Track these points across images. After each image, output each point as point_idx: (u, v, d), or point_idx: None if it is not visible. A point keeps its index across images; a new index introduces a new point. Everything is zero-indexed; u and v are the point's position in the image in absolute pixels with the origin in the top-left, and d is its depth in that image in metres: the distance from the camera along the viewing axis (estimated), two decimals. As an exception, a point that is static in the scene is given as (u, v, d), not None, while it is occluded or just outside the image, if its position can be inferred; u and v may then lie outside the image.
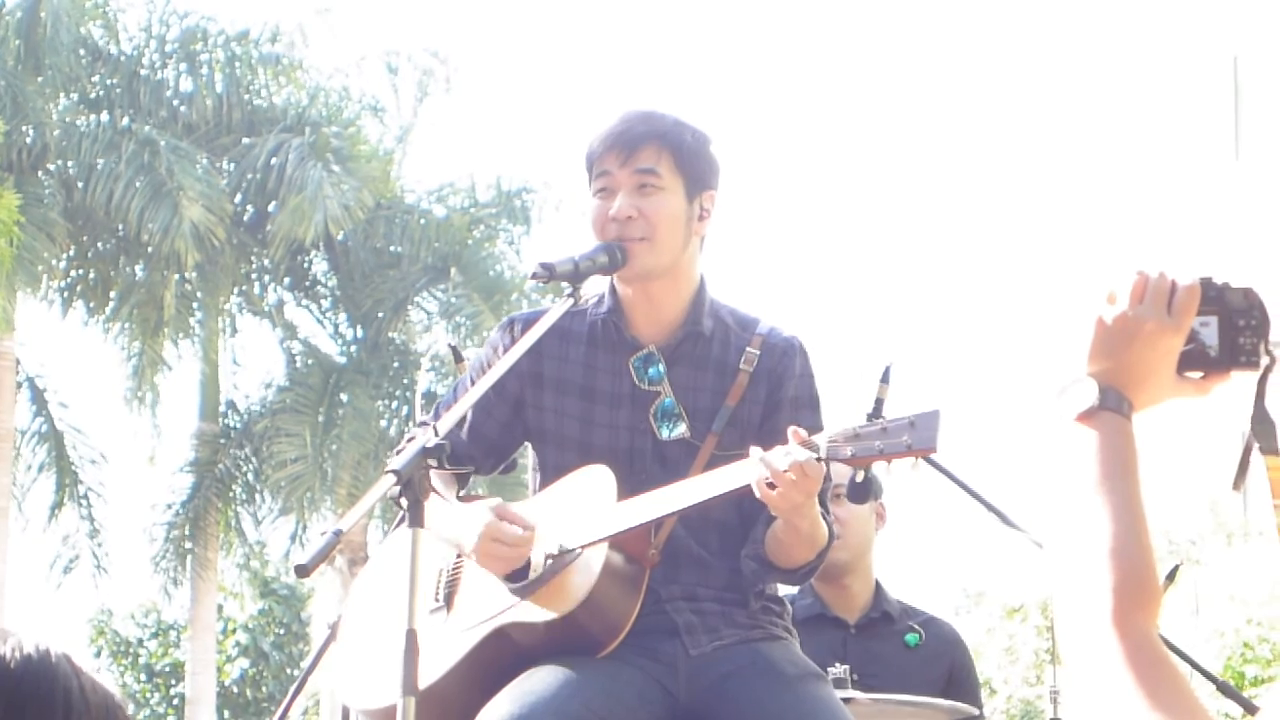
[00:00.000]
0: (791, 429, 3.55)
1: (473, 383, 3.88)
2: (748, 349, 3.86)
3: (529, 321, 3.86)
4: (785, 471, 3.50)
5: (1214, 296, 2.11)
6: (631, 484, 3.74)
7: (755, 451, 3.56)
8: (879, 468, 3.60)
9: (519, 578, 3.77)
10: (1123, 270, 2.06)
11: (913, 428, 3.46)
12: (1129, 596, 1.90)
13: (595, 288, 3.87)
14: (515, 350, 3.72)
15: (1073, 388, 2.05)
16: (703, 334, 3.86)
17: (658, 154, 3.79)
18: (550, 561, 3.74)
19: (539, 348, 3.78)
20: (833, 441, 3.54)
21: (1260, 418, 2.07)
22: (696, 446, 3.81)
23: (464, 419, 3.88)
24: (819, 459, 3.52)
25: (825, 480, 3.72)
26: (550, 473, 3.90)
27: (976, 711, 4.67)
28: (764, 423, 3.79)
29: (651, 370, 3.86)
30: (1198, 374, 2.12)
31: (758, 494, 3.54)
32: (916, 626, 5.07)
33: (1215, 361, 2.11)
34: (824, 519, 3.73)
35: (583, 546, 3.71)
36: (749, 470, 3.56)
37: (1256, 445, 2.07)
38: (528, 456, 4.07)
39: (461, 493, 4.04)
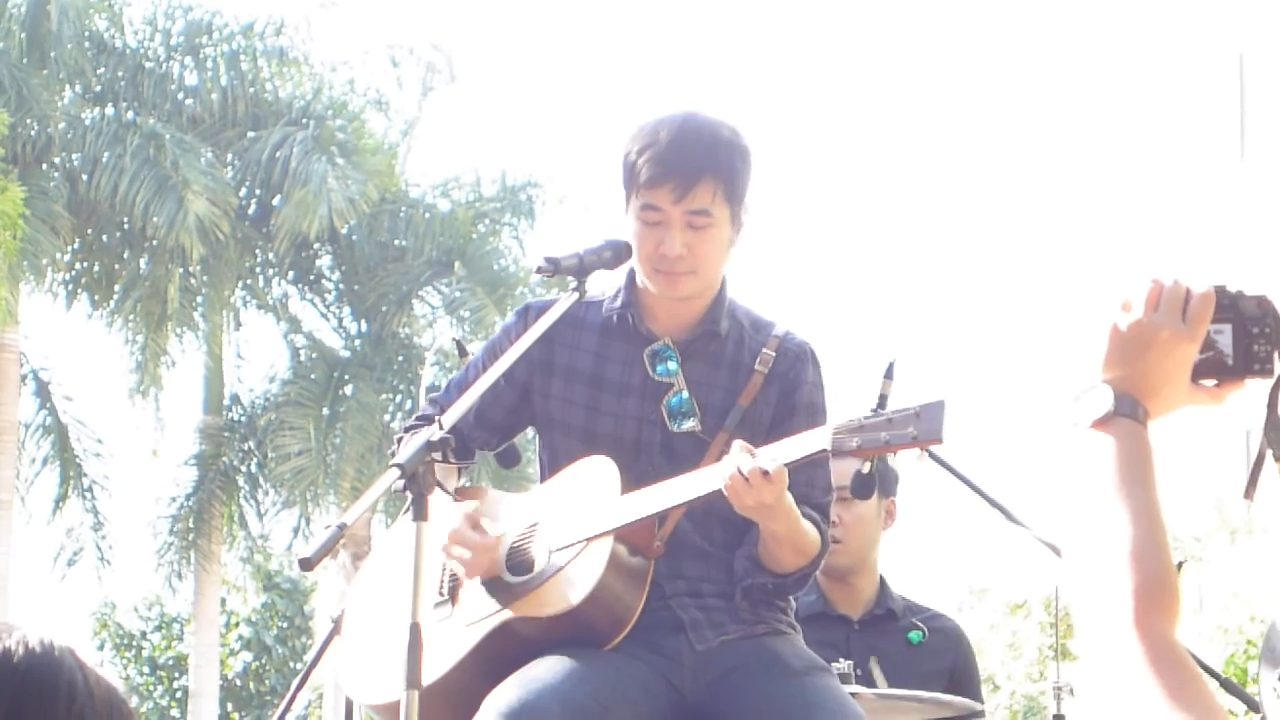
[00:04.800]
0: (738, 442, 3.58)
1: (483, 367, 3.88)
2: (764, 350, 3.86)
3: (543, 310, 3.86)
4: (733, 476, 3.52)
5: (1228, 304, 2.11)
6: (635, 474, 3.74)
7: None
8: (896, 460, 3.60)
9: (523, 571, 3.77)
10: (1137, 277, 2.05)
11: (918, 418, 3.45)
12: (1149, 600, 1.91)
13: (602, 281, 3.87)
14: (522, 342, 3.72)
15: (1088, 394, 2.05)
16: (719, 333, 3.86)
17: (712, 191, 3.72)
18: (554, 556, 3.74)
19: (551, 335, 3.78)
20: (838, 433, 3.53)
21: (1274, 425, 2.07)
22: (706, 442, 3.80)
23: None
24: (779, 466, 3.52)
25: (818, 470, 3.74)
26: (557, 459, 3.90)
27: (980, 707, 4.67)
28: (774, 426, 3.78)
29: (667, 364, 3.85)
30: (1212, 382, 2.12)
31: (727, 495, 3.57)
32: (919, 624, 5.07)
33: (1230, 369, 2.11)
34: (818, 525, 3.72)
35: (587, 540, 3.71)
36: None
37: (1270, 452, 2.07)
38: (533, 449, 4.07)
39: (462, 483, 4.04)
